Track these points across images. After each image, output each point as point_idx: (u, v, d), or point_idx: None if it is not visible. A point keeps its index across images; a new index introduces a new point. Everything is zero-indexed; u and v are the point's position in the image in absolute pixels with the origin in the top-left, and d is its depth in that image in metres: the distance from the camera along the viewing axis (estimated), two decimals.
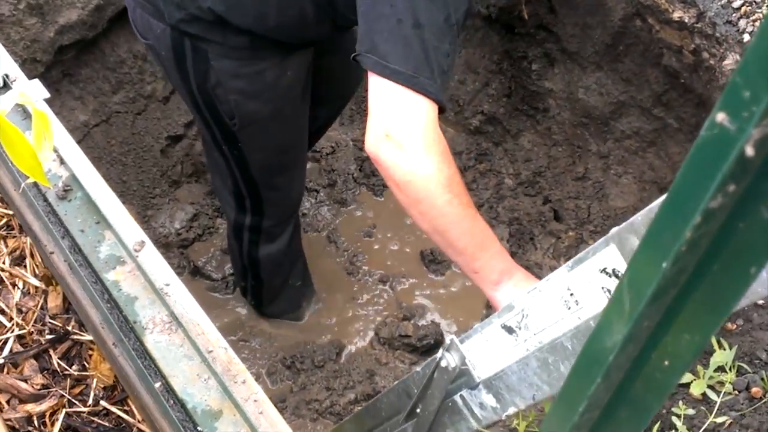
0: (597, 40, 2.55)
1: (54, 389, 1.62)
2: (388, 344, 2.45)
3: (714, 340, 1.59)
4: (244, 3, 1.64)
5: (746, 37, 1.94)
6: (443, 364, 1.18)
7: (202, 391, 1.23)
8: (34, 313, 1.73)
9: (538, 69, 2.78)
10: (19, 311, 1.74)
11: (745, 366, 1.61)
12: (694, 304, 0.51)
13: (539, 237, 2.71)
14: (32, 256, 1.81)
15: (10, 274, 1.79)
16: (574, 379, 0.60)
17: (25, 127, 1.44)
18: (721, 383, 1.58)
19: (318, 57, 1.94)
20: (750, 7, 1.95)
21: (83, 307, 1.41)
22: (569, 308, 0.99)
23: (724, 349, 1.62)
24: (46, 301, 1.74)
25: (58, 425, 1.57)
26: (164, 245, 2.69)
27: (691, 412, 1.55)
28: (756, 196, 0.44)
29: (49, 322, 1.72)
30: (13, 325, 1.71)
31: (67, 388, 1.63)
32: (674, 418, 1.55)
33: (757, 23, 1.91)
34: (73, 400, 1.62)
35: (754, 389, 1.57)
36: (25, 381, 1.62)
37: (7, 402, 1.60)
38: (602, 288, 0.94)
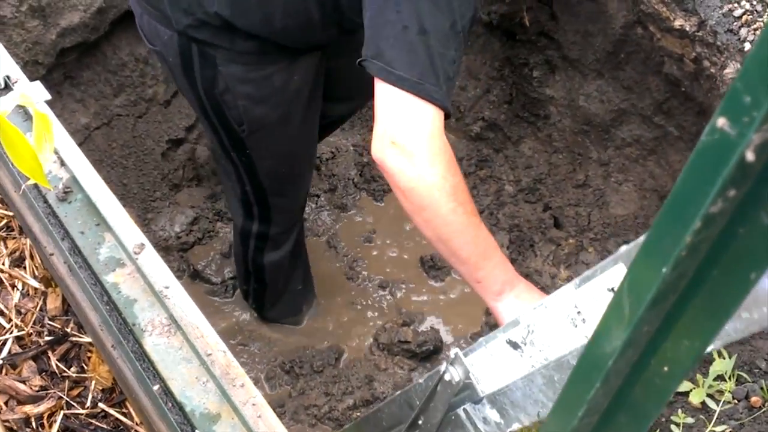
0: (598, 48, 2.55)
1: (52, 391, 1.61)
2: (387, 350, 2.45)
3: None
4: (250, 7, 1.64)
5: (747, 46, 1.95)
6: (447, 377, 1.17)
7: (200, 394, 1.23)
8: (33, 314, 1.73)
9: (539, 76, 2.79)
10: (19, 312, 1.74)
11: (745, 375, 1.61)
12: (693, 309, 0.51)
13: (539, 244, 2.71)
14: (32, 257, 1.81)
15: (10, 275, 1.79)
16: (574, 384, 0.60)
17: (26, 128, 1.44)
18: (721, 392, 1.58)
19: (327, 60, 1.94)
20: (751, 16, 1.95)
21: (82, 309, 1.41)
22: (576, 326, 0.99)
23: (724, 358, 1.62)
24: (45, 302, 1.74)
25: (56, 427, 1.57)
26: (164, 248, 2.69)
27: (690, 420, 1.54)
28: (756, 202, 0.44)
29: (48, 324, 1.72)
30: (12, 326, 1.71)
31: (66, 389, 1.63)
32: (673, 427, 1.55)
33: (758, 32, 1.92)
34: (72, 402, 1.62)
35: (753, 398, 1.56)
36: (24, 382, 1.62)
37: (6, 403, 1.60)
38: None
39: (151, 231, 2.70)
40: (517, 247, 2.70)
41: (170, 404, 1.24)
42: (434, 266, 2.68)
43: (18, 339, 1.70)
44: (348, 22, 1.67)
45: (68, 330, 1.71)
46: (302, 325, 2.60)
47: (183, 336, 1.28)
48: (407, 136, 1.35)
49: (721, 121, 0.43)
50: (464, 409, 1.19)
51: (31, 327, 1.71)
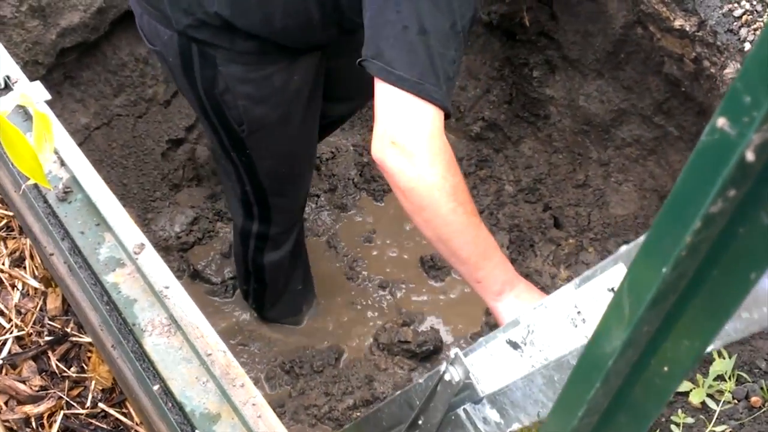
0: (598, 48, 2.55)
1: (52, 391, 1.61)
2: (387, 350, 2.45)
3: None
4: (250, 7, 1.64)
5: (747, 46, 1.95)
6: (447, 377, 1.18)
7: (200, 394, 1.23)
8: (33, 314, 1.73)
9: (539, 76, 2.79)
10: (19, 312, 1.74)
11: (745, 375, 1.61)
12: (693, 309, 0.51)
13: (539, 244, 2.71)
14: (32, 257, 1.81)
15: (10, 275, 1.79)
16: (574, 384, 0.60)
17: (26, 128, 1.44)
18: (721, 392, 1.58)
19: (327, 60, 1.94)
20: (751, 16, 1.95)
21: (82, 309, 1.41)
22: (576, 326, 0.99)
23: (724, 358, 1.62)
24: (45, 302, 1.74)
25: (56, 427, 1.57)
26: (164, 248, 2.69)
27: (690, 420, 1.54)
28: (756, 201, 0.44)
29: (48, 324, 1.72)
30: (12, 326, 1.71)
31: (66, 389, 1.63)
32: (673, 427, 1.55)
33: (758, 32, 1.92)
34: (72, 402, 1.62)
35: (753, 398, 1.56)
36: (24, 382, 1.62)
37: (6, 403, 1.60)
38: None
39: (151, 231, 2.70)
40: (517, 247, 2.70)
41: (170, 404, 1.24)
42: (434, 266, 2.68)
43: (18, 339, 1.70)
44: (348, 22, 1.67)
45: (68, 330, 1.71)
46: (302, 325, 2.60)
47: (183, 336, 1.28)
48: (407, 136, 1.35)
49: (721, 121, 0.43)
50: (464, 409, 1.19)
51: (31, 327, 1.71)
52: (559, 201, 2.81)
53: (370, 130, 3.09)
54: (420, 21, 1.36)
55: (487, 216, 2.78)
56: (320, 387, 2.37)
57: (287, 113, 1.89)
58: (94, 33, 2.54)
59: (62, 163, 1.49)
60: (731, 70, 1.98)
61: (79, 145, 2.05)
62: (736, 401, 1.57)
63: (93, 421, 1.60)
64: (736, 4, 1.98)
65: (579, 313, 0.99)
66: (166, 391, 1.24)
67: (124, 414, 1.61)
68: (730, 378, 1.59)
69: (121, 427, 1.59)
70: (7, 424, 1.56)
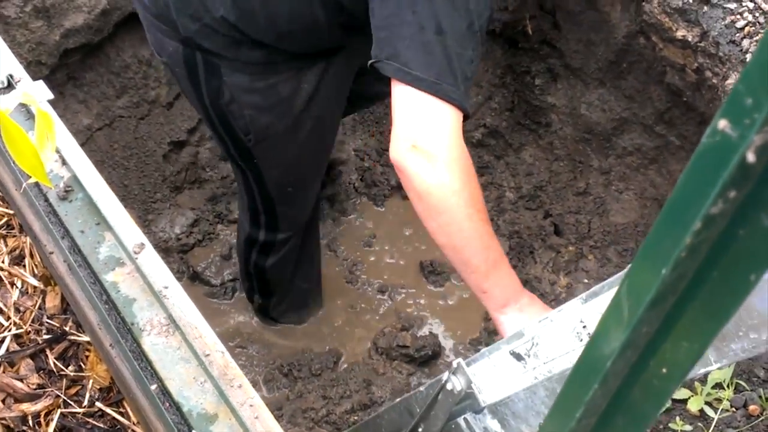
0: (600, 57, 2.56)
1: (50, 389, 1.61)
2: (386, 354, 2.44)
3: None
4: (255, 11, 1.63)
5: (749, 57, 1.95)
6: (449, 386, 1.17)
7: (198, 394, 1.23)
8: (31, 312, 1.73)
9: (541, 84, 2.79)
10: (17, 310, 1.74)
11: (743, 383, 1.61)
12: (693, 311, 0.51)
13: (539, 251, 2.71)
14: (32, 255, 1.81)
15: (9, 273, 1.79)
16: (572, 385, 0.60)
17: (29, 127, 1.44)
18: (719, 400, 1.58)
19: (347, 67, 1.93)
20: (753, 28, 1.96)
21: (81, 308, 1.41)
22: (581, 340, 1.00)
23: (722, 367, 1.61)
24: (44, 300, 1.74)
25: (53, 425, 1.57)
26: (164, 250, 2.69)
27: (688, 428, 1.54)
28: (757, 203, 0.44)
29: (47, 322, 1.72)
30: (10, 324, 1.71)
31: (63, 388, 1.63)
32: None
33: (760, 38, 1.92)
34: (69, 401, 1.62)
35: (751, 407, 1.56)
36: (21, 380, 1.62)
37: (3, 401, 1.60)
38: None
39: (151, 232, 2.70)
40: (517, 254, 2.70)
41: (167, 404, 1.24)
42: (433, 271, 2.68)
43: (16, 337, 1.70)
44: (352, 22, 1.65)
45: (67, 329, 1.71)
46: (304, 324, 2.59)
47: (181, 336, 1.28)
48: (429, 139, 1.33)
49: (723, 123, 0.43)
50: (465, 419, 1.19)
51: (30, 325, 1.71)
52: (560, 208, 2.81)
53: (372, 134, 3.11)
54: (437, 21, 1.34)
55: None
56: (318, 390, 2.37)
57: (294, 123, 1.87)
58: (97, 34, 2.55)
59: (63, 162, 1.50)
60: (733, 80, 1.98)
61: (81, 145, 2.05)
62: (734, 409, 1.56)
63: (90, 420, 1.60)
64: (738, 16, 1.98)
65: (585, 327, 0.99)
66: (164, 391, 1.24)
67: (121, 413, 1.61)
68: (728, 386, 1.59)
69: (118, 426, 1.59)
70: (3, 422, 1.56)
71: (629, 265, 0.86)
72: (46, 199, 1.48)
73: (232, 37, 1.67)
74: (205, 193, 2.87)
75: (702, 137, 0.45)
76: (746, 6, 1.97)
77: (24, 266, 1.81)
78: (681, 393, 1.58)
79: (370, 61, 1.41)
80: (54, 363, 1.66)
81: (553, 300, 2.54)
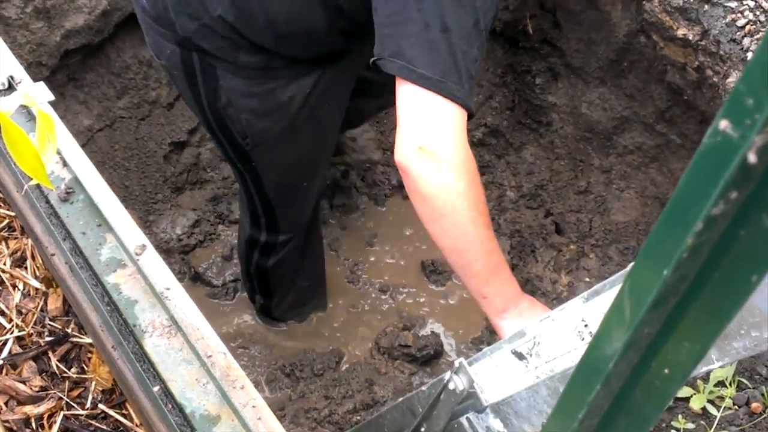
0: (601, 56, 2.56)
1: (52, 391, 1.61)
2: (388, 354, 2.45)
3: None
4: (253, 11, 1.62)
5: (750, 56, 1.95)
6: (451, 386, 1.17)
7: (200, 395, 1.23)
8: (33, 314, 1.73)
9: (541, 83, 2.79)
10: (19, 313, 1.74)
11: (745, 381, 1.61)
12: (694, 311, 0.51)
13: (540, 250, 2.71)
14: (33, 257, 1.82)
15: (11, 275, 1.79)
16: (574, 386, 0.60)
17: (29, 128, 1.44)
18: (721, 398, 1.58)
19: (351, 70, 1.91)
20: (754, 26, 1.95)
21: (83, 310, 1.41)
22: (583, 339, 1.00)
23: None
24: (46, 303, 1.74)
25: (55, 428, 1.57)
26: (165, 251, 2.69)
27: (690, 426, 1.54)
28: (758, 204, 0.44)
29: (49, 324, 1.72)
30: (12, 326, 1.71)
31: (66, 390, 1.63)
32: None
33: (761, 38, 1.92)
34: (72, 403, 1.62)
35: (754, 404, 1.56)
36: (24, 383, 1.62)
37: (6, 403, 1.60)
38: None
39: (152, 233, 2.70)
40: (518, 253, 2.70)
41: (170, 406, 1.24)
42: (435, 270, 2.68)
43: (18, 339, 1.70)
44: (350, 26, 1.64)
45: (69, 330, 1.71)
46: (305, 323, 2.59)
47: (183, 337, 1.28)
48: (435, 141, 1.32)
49: (724, 124, 0.43)
50: (467, 418, 1.19)
51: (32, 327, 1.71)
52: (561, 207, 2.81)
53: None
54: (442, 19, 1.33)
55: None
56: (320, 390, 2.37)
57: (292, 128, 1.86)
58: (98, 35, 2.55)
59: (64, 164, 1.50)
60: (734, 79, 1.98)
61: (82, 146, 2.05)
62: (736, 407, 1.56)
63: (93, 422, 1.60)
64: (739, 14, 1.98)
65: (586, 326, 0.99)
66: (166, 393, 1.24)
67: (124, 415, 1.61)
68: (730, 384, 1.59)
69: (121, 428, 1.59)
70: (7, 424, 1.56)
71: (631, 266, 0.87)
72: (48, 201, 1.48)
73: (230, 39, 1.66)
74: (206, 194, 2.87)
75: (703, 137, 0.45)
76: (747, 4, 1.97)
77: (25, 268, 1.81)
78: (683, 391, 1.58)
79: (372, 59, 1.40)
80: (56, 365, 1.66)
81: (554, 299, 2.54)
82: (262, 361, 2.51)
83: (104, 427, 1.59)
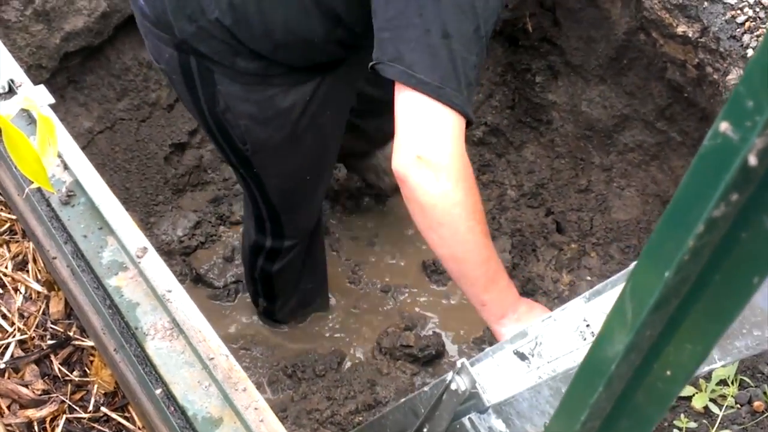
0: (601, 54, 2.56)
1: (55, 395, 1.62)
2: (390, 354, 2.44)
3: None
4: (250, 17, 1.60)
5: (750, 53, 1.95)
6: (453, 386, 1.17)
7: (202, 398, 1.23)
8: (35, 318, 1.73)
9: (541, 81, 2.79)
10: (21, 316, 1.74)
11: (748, 380, 1.60)
12: (696, 313, 0.51)
13: (541, 248, 2.71)
14: (35, 261, 1.82)
15: (13, 278, 1.80)
16: (576, 388, 0.60)
17: (30, 132, 1.44)
18: (723, 397, 1.57)
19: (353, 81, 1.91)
20: (754, 23, 1.95)
21: (85, 313, 1.41)
22: (585, 339, 1.00)
23: None
24: (47, 306, 1.75)
25: (58, 431, 1.57)
26: (167, 252, 2.69)
27: (693, 425, 1.54)
28: (759, 206, 0.44)
29: (51, 328, 1.72)
30: (14, 330, 1.71)
31: (68, 393, 1.63)
32: (676, 431, 1.54)
33: (761, 38, 1.92)
34: (74, 406, 1.62)
35: (756, 403, 1.56)
36: (26, 386, 1.62)
37: (8, 407, 1.60)
38: None
39: (153, 235, 2.70)
40: (519, 252, 2.70)
41: (172, 408, 1.24)
42: (436, 270, 2.68)
43: (20, 342, 1.70)
44: (348, 35, 1.62)
45: (71, 334, 1.71)
46: (306, 324, 2.59)
47: (185, 340, 1.28)
48: (433, 150, 1.31)
49: (724, 126, 0.43)
50: (469, 419, 1.19)
51: (34, 331, 1.71)
52: (562, 206, 2.81)
53: None
54: (443, 24, 1.32)
55: (489, 221, 2.78)
56: (322, 391, 2.37)
57: (293, 135, 1.84)
58: (98, 37, 2.55)
59: (65, 167, 1.50)
60: (734, 76, 1.98)
61: (83, 148, 2.05)
62: (739, 406, 1.56)
63: (95, 425, 1.60)
64: (739, 11, 1.98)
65: (588, 326, 0.99)
66: (169, 395, 1.24)
67: (126, 418, 1.61)
68: (732, 383, 1.59)
69: (124, 431, 1.59)
70: (9, 428, 1.56)
71: (632, 267, 0.87)
72: (49, 204, 1.49)
73: (228, 44, 1.64)
74: (207, 195, 2.87)
75: (704, 139, 0.44)
76: (746, 1, 1.96)
77: (27, 272, 1.81)
78: (685, 390, 1.58)
79: (371, 63, 1.39)
80: (59, 368, 1.66)
81: (556, 298, 2.54)
82: (264, 362, 2.51)
83: (107, 431, 1.59)
